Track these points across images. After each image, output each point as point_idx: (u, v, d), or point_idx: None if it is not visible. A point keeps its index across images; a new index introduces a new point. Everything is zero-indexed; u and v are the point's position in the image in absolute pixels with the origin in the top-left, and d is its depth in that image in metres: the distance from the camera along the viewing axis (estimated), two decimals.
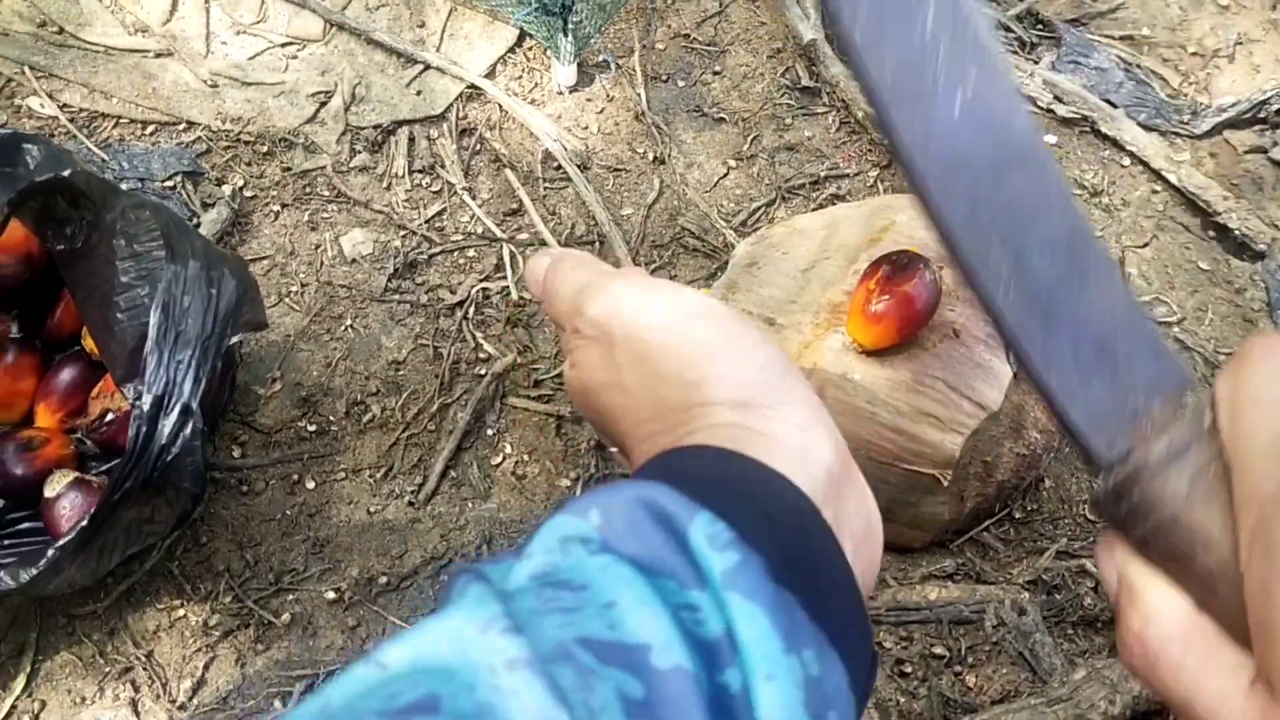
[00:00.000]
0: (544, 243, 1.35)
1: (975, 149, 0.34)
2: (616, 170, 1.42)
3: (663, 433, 0.41)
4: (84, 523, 0.92)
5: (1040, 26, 1.59)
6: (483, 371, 1.27)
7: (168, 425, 0.88)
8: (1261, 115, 1.51)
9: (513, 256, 1.35)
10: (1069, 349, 0.35)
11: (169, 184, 1.35)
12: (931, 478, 1.10)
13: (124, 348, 1.04)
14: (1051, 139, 1.47)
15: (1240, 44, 1.61)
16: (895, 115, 0.33)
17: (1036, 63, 1.53)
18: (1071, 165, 1.45)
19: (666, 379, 0.42)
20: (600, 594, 0.31)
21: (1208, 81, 1.55)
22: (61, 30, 1.45)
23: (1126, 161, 1.45)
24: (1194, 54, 1.58)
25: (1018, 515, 1.21)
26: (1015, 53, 1.55)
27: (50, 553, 0.91)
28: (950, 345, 1.11)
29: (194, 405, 0.88)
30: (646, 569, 0.32)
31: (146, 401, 0.87)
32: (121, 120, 1.40)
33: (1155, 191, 1.44)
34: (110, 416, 1.14)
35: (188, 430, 0.88)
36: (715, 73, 1.51)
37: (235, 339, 0.98)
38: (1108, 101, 1.48)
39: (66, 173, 1.01)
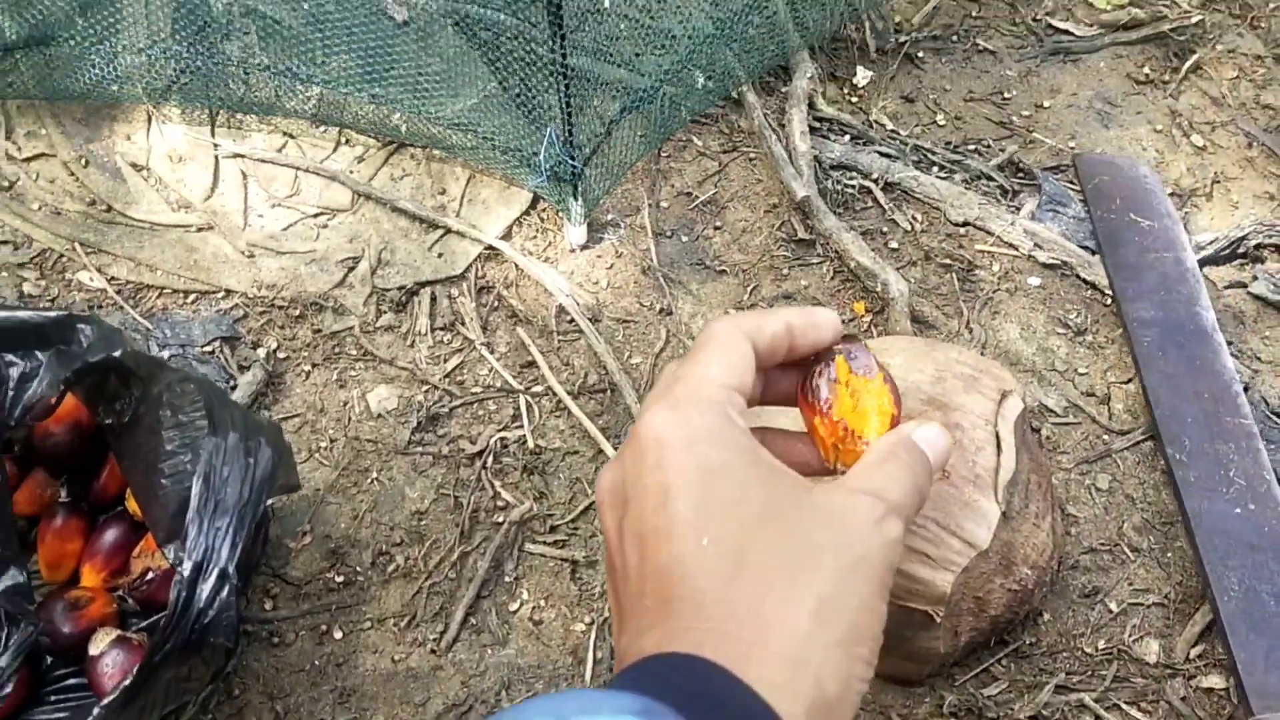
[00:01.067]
0: (555, 394, 1.44)
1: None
2: (625, 321, 1.51)
3: (656, 624, 0.42)
4: (126, 682, 0.98)
5: (1021, 175, 1.69)
6: (501, 519, 1.34)
7: (206, 589, 0.95)
8: (1240, 250, 1.58)
9: (529, 407, 1.44)
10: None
11: (208, 349, 1.45)
12: (925, 614, 1.15)
13: (166, 511, 1.12)
14: (1035, 281, 1.55)
15: (1218, 182, 1.70)
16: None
17: (1018, 210, 1.62)
18: (1056, 305, 1.53)
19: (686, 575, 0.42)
20: None
21: (1186, 220, 1.64)
22: (110, 208, 1.57)
23: (1109, 301, 1.53)
24: (1172, 194, 1.67)
25: (1016, 648, 1.25)
26: (998, 200, 1.64)
27: (96, 711, 0.98)
28: (939, 486, 1.17)
29: (231, 569, 0.96)
30: None
31: (187, 567, 0.94)
32: (165, 290, 1.51)
33: None
34: (151, 575, 1.21)
35: (224, 592, 0.96)
36: (716, 228, 1.61)
37: (270, 501, 1.06)
38: (1085, 248, 1.57)
39: (118, 353, 1.11)
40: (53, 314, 1.21)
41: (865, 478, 0.47)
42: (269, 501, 1.08)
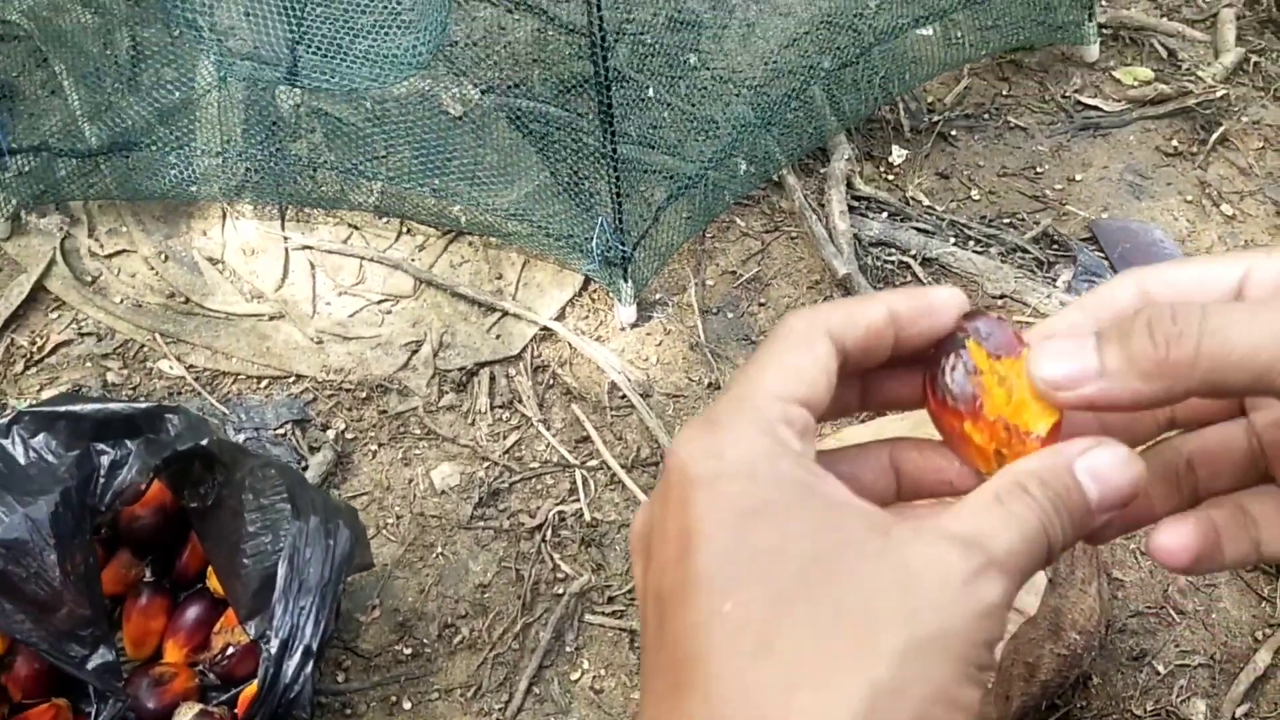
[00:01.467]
0: (610, 468, 1.50)
1: None
2: (675, 396, 1.58)
3: (665, 712, 0.33)
4: None
5: (1056, 247, 1.74)
6: (561, 591, 1.40)
7: (291, 665, 1.01)
8: None
9: (584, 480, 1.50)
10: None
11: (280, 431, 1.53)
12: None
13: (248, 589, 1.19)
14: None
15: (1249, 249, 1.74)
16: None
17: (1054, 282, 1.67)
18: None
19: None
20: None
21: None
22: (188, 300, 1.67)
23: None
24: None
25: (1067, 712, 1.28)
26: (1033, 273, 1.70)
27: None
28: None
29: (314, 646, 1.02)
30: None
31: (274, 645, 1.01)
32: (240, 376, 1.60)
33: None
34: (231, 650, 1.28)
35: (308, 668, 1.02)
36: (761, 304, 1.68)
37: (349, 578, 1.12)
38: None
39: (204, 441, 1.19)
40: (143, 405, 1.29)
41: (969, 517, 0.34)
42: (347, 579, 1.14)
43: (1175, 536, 0.36)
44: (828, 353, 0.37)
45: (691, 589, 0.33)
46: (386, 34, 1.52)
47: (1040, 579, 1.20)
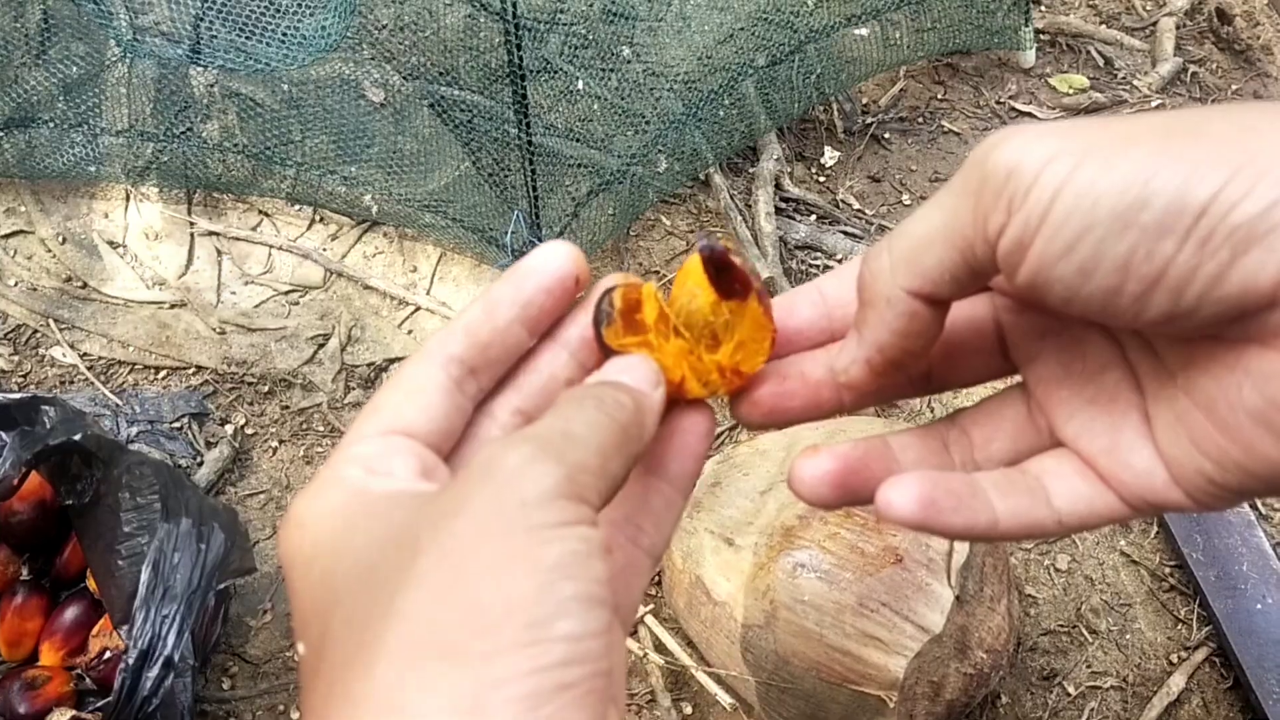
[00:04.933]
0: None
1: None
2: None
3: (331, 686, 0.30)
4: None
5: None
6: None
7: (151, 676, 0.96)
8: None
9: None
10: None
11: (176, 425, 1.47)
12: (878, 699, 1.15)
13: (123, 592, 1.13)
14: None
15: None
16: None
17: None
18: None
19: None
20: None
21: None
22: (85, 285, 1.60)
23: None
24: None
25: None
26: None
27: None
28: (894, 570, 1.18)
29: (177, 657, 0.96)
30: None
31: (132, 655, 0.95)
32: (136, 366, 1.53)
33: None
34: (108, 655, 1.21)
35: (169, 680, 0.96)
36: None
37: (221, 586, 1.07)
38: None
39: (78, 436, 1.12)
40: (16, 396, 1.23)
41: (527, 429, 0.33)
42: (220, 586, 1.09)
43: (902, 487, 0.36)
44: (433, 378, 0.36)
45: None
46: (294, 12, 1.45)
47: (947, 596, 1.17)
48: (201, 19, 1.42)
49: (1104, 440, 0.36)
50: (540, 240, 1.49)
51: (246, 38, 1.42)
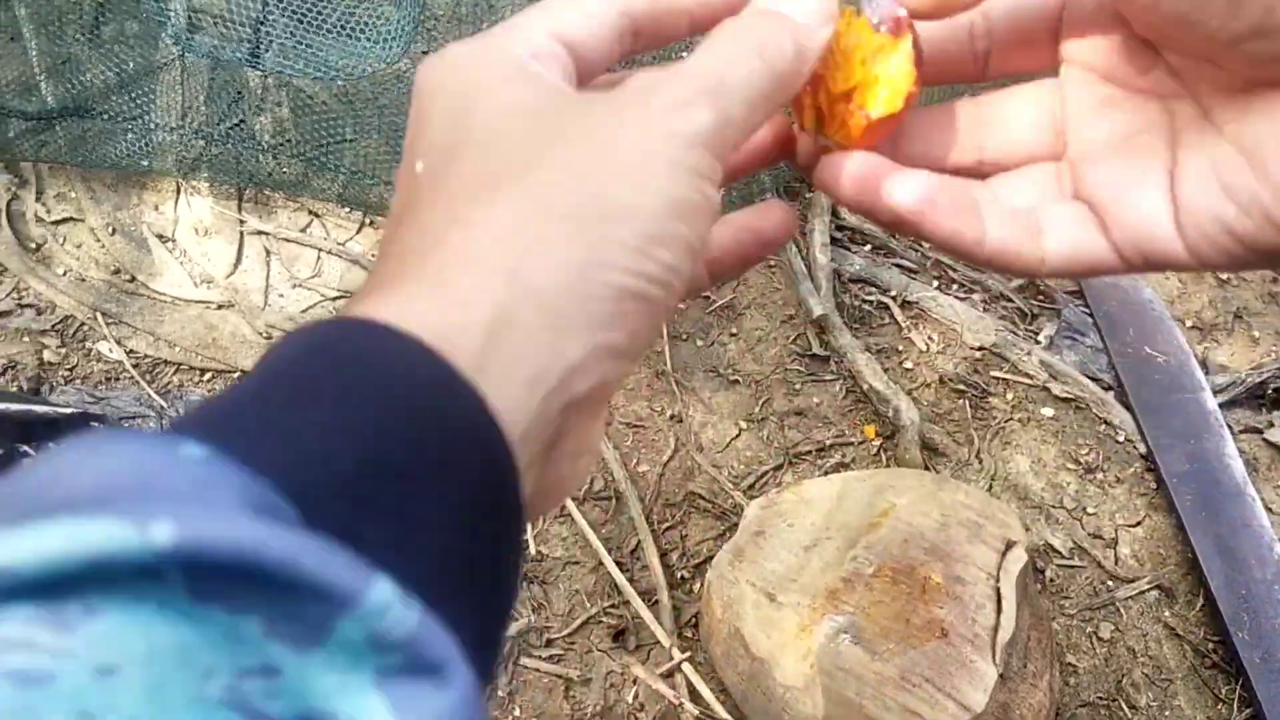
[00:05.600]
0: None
1: None
2: (635, 426, 1.52)
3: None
4: None
5: (1041, 298, 1.68)
6: None
7: None
8: (1260, 395, 1.57)
9: None
10: None
11: None
12: None
13: None
14: (1048, 412, 1.54)
15: (1239, 317, 1.69)
16: None
17: (1036, 334, 1.62)
18: (1069, 439, 1.52)
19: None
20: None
21: (1205, 355, 1.63)
22: (134, 279, 1.59)
23: (1121, 438, 1.52)
24: (1192, 327, 1.66)
25: None
26: (1015, 324, 1.64)
27: None
28: (938, 644, 1.17)
29: None
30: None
31: None
32: (182, 367, 1.52)
33: (1149, 469, 1.50)
34: None
35: None
36: (732, 334, 1.61)
37: None
38: (1099, 382, 1.56)
39: None
40: (65, 410, 1.22)
41: (684, 64, 0.32)
42: None
43: (909, 182, 0.36)
44: (609, 14, 0.34)
45: (403, 162, 0.32)
46: (360, 19, 1.42)
47: (990, 674, 1.16)
48: (263, 22, 1.39)
49: (1118, 186, 0.36)
50: None
51: (307, 44, 1.39)
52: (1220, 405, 1.54)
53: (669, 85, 0.31)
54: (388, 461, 0.24)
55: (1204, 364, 1.60)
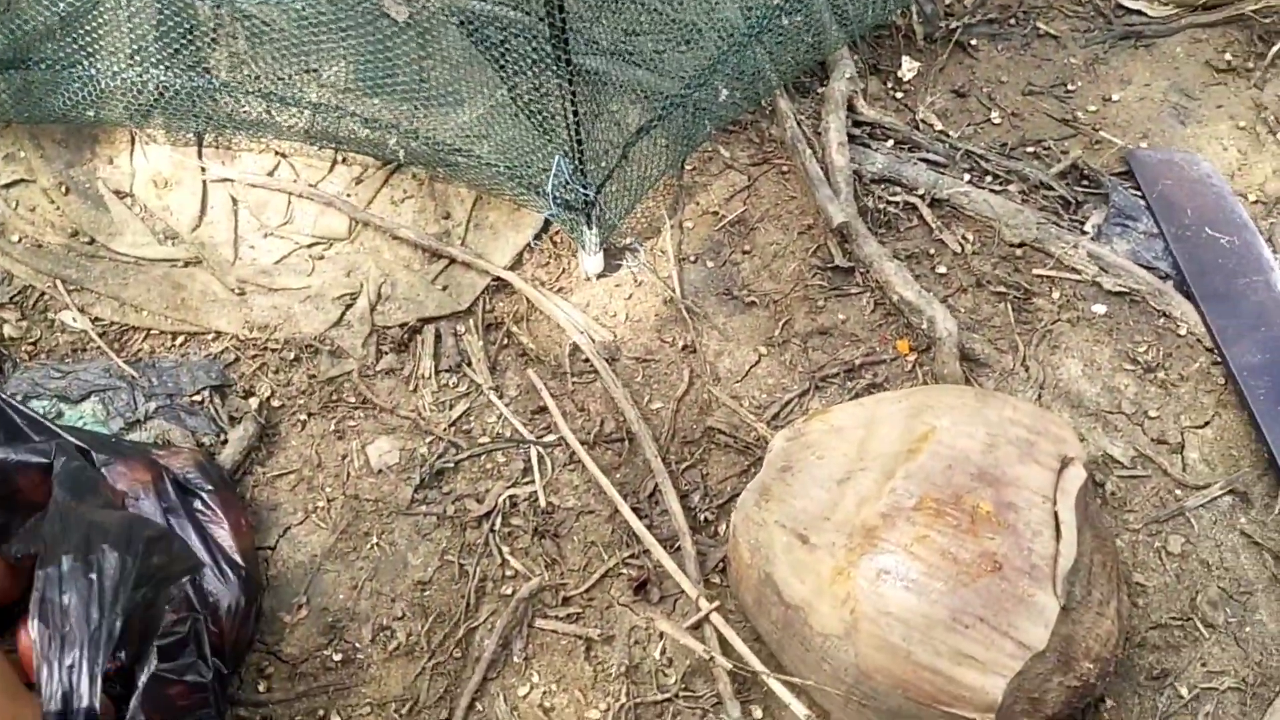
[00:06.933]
0: (569, 445, 1.32)
1: None
2: (645, 360, 1.39)
3: None
4: None
5: (1086, 183, 1.52)
6: (510, 591, 1.24)
7: None
8: None
9: (540, 459, 1.32)
10: None
11: (196, 399, 1.35)
12: None
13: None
14: (1100, 309, 1.40)
15: None
16: None
17: (1082, 225, 1.46)
18: (1124, 337, 1.38)
19: None
20: None
21: (1271, 231, 1.47)
22: (93, 241, 1.47)
23: (1183, 331, 1.37)
24: (1255, 201, 1.50)
25: None
26: (1058, 215, 1.48)
27: None
28: (991, 579, 1.04)
29: (97, 705, 0.87)
30: None
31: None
32: (151, 332, 1.41)
33: (1215, 363, 1.35)
34: None
35: None
36: (745, 251, 1.47)
37: (148, 600, 0.96)
38: (1156, 271, 1.41)
39: None
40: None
41: None
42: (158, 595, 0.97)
43: None
44: None
45: None
46: None
47: (1052, 607, 1.03)
48: None
49: None
50: (586, 186, 1.32)
51: None
52: None
53: None
54: None
55: (1271, 242, 1.44)
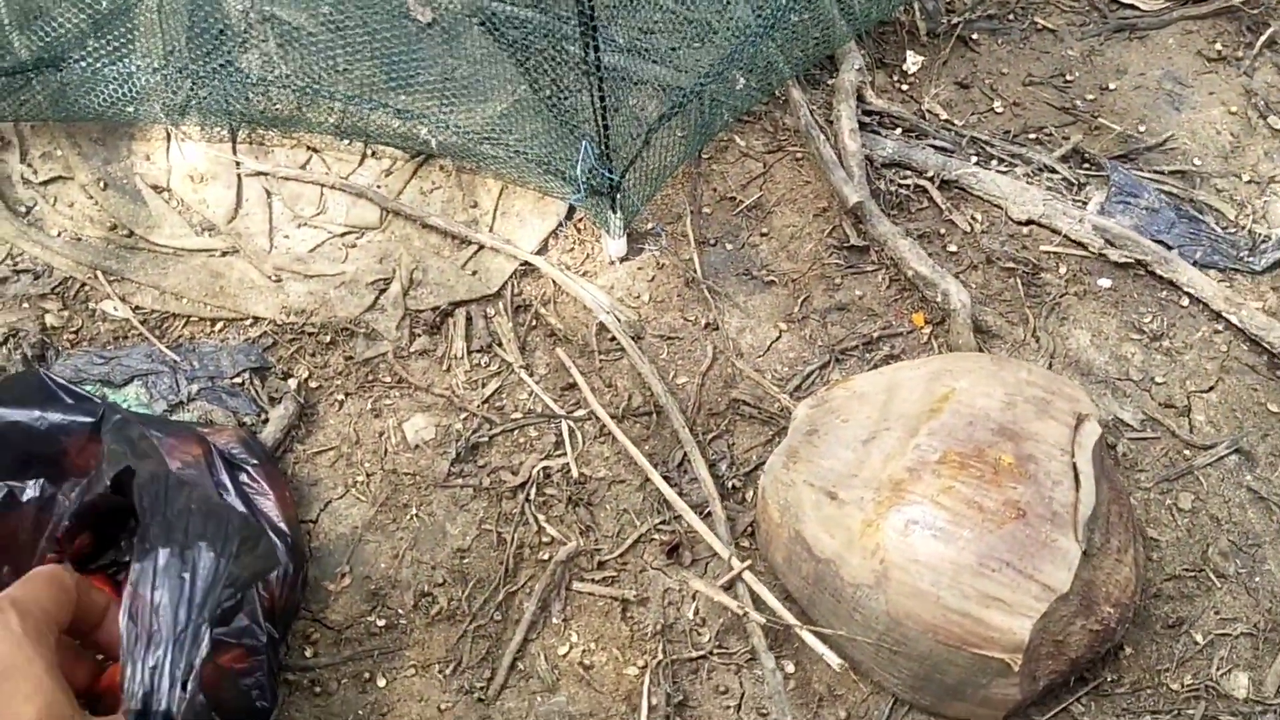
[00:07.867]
0: (599, 418, 1.37)
1: None
2: (670, 338, 1.44)
3: None
4: None
5: (1087, 165, 1.58)
6: (546, 556, 1.28)
7: None
8: None
9: (571, 432, 1.37)
10: None
11: (237, 380, 1.40)
12: (1000, 662, 1.08)
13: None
14: (1106, 282, 1.46)
15: None
16: None
17: (1085, 204, 1.52)
18: (1129, 309, 1.43)
19: None
20: None
21: (1264, 210, 1.53)
22: (132, 233, 1.52)
23: (1185, 302, 1.43)
24: (1249, 181, 1.57)
25: (1096, 685, 1.18)
26: (1062, 195, 1.54)
27: None
28: (1015, 526, 1.09)
29: (176, 710, 0.88)
30: None
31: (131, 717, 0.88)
32: (191, 319, 1.45)
33: (1218, 331, 1.41)
34: None
35: None
36: (763, 234, 1.53)
37: (229, 602, 0.98)
38: (1160, 243, 1.47)
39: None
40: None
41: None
42: (230, 596, 0.99)
43: None
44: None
45: None
46: None
47: (1074, 551, 1.08)
48: None
49: None
50: (611, 172, 1.38)
51: None
52: None
53: None
54: None
55: (1265, 219, 1.51)
